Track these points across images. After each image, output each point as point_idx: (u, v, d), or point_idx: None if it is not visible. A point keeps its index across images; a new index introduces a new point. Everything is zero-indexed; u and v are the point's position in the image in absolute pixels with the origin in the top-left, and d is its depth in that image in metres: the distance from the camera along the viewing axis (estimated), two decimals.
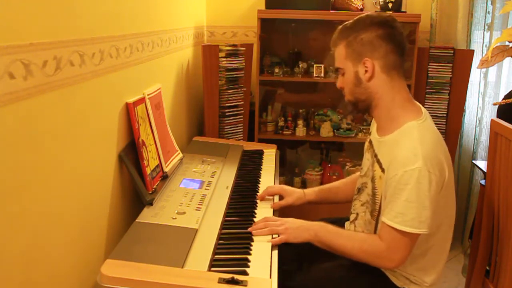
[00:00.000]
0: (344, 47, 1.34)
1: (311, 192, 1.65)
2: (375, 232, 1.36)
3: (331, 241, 1.33)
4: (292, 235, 1.33)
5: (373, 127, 1.47)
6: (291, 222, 1.37)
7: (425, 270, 1.34)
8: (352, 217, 1.50)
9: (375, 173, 1.37)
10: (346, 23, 1.38)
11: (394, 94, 1.33)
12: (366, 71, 1.31)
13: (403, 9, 2.58)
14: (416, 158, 1.20)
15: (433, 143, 1.27)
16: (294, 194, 1.62)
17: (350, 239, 1.33)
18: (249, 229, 1.36)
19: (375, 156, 1.39)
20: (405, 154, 1.24)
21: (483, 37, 2.63)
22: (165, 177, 1.63)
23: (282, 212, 1.58)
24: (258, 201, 1.60)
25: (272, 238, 1.33)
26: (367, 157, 1.46)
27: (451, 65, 2.52)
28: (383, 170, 1.32)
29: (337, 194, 1.66)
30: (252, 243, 1.30)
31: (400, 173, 1.22)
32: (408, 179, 1.20)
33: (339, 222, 1.52)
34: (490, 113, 2.67)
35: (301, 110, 2.90)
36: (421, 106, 1.39)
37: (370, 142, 1.46)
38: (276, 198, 1.63)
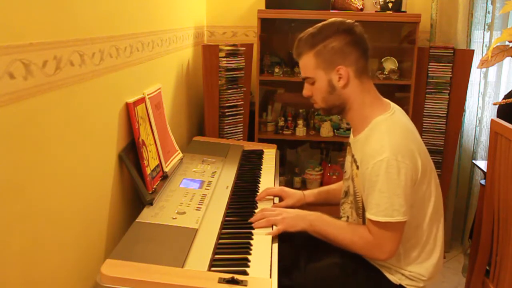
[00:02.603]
0: (313, 56, 1.35)
1: (310, 194, 1.67)
2: None
3: (326, 231, 1.37)
4: (289, 224, 1.37)
5: (351, 131, 1.51)
6: (288, 212, 1.41)
7: (420, 264, 1.36)
8: (343, 220, 1.52)
9: (353, 172, 1.41)
10: (308, 31, 1.39)
11: (364, 96, 1.37)
12: (340, 78, 1.34)
13: (403, 9, 2.58)
14: (383, 149, 1.25)
15: (401, 134, 1.30)
16: (295, 195, 1.64)
17: (343, 230, 1.37)
18: (249, 220, 1.40)
19: (352, 156, 1.43)
20: (373, 146, 1.28)
21: (483, 37, 2.63)
22: (165, 177, 1.63)
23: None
24: (258, 201, 1.60)
25: (273, 229, 1.35)
26: (348, 159, 1.50)
27: (451, 65, 2.52)
28: (357, 167, 1.36)
29: (336, 196, 1.67)
30: (252, 243, 1.30)
31: (370, 166, 1.26)
32: (378, 170, 1.24)
33: None
34: (490, 113, 2.68)
35: (301, 110, 2.90)
36: (389, 101, 1.42)
37: (349, 145, 1.50)
38: (276, 199, 1.63)
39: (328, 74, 1.35)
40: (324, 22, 1.39)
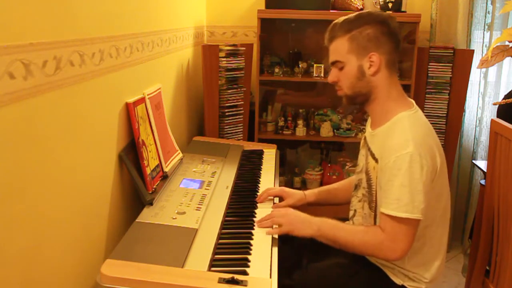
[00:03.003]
0: (348, 40, 1.35)
1: (311, 194, 1.66)
2: (375, 224, 1.36)
3: (334, 236, 1.33)
4: (296, 227, 1.35)
5: (368, 125, 1.50)
6: (295, 215, 1.39)
7: (424, 266, 1.35)
8: (350, 214, 1.51)
9: (368, 165, 1.39)
10: (343, 17, 1.39)
11: (391, 89, 1.37)
12: (371, 65, 1.34)
13: (403, 9, 2.58)
14: (407, 144, 1.24)
15: (423, 131, 1.30)
16: (295, 195, 1.63)
17: (352, 232, 1.34)
18: (257, 222, 1.40)
19: (369, 149, 1.41)
20: (396, 141, 1.27)
21: (483, 37, 2.63)
22: (165, 177, 1.63)
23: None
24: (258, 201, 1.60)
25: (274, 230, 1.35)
26: (362, 153, 1.49)
27: (451, 65, 2.52)
28: (376, 160, 1.34)
29: (337, 195, 1.67)
30: (252, 243, 1.30)
31: (392, 159, 1.25)
32: (400, 164, 1.23)
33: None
34: (490, 113, 2.67)
35: (301, 110, 2.90)
36: (412, 100, 1.42)
37: (365, 138, 1.48)
38: (276, 199, 1.63)
39: (359, 60, 1.35)
40: (361, 11, 1.40)
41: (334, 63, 1.40)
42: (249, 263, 1.19)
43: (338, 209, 1.66)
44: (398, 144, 1.25)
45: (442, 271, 1.39)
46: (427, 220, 1.29)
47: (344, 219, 1.55)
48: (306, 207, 1.64)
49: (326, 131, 2.73)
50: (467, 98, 2.66)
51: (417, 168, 1.22)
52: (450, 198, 1.40)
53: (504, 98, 2.35)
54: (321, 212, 1.88)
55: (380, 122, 1.38)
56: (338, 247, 1.34)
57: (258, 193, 1.65)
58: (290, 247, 1.40)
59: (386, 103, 1.37)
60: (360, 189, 1.45)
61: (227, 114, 2.44)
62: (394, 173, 1.24)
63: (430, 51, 2.54)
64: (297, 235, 1.34)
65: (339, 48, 1.37)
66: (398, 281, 1.36)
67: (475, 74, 2.66)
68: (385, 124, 1.36)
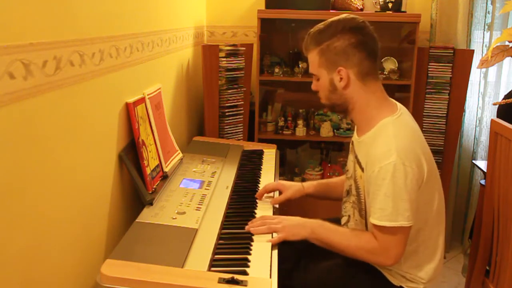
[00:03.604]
0: (317, 54, 1.35)
1: (309, 185, 1.65)
2: (366, 230, 1.37)
3: (328, 238, 1.34)
4: (290, 232, 1.34)
5: (355, 129, 1.49)
6: (288, 220, 1.38)
7: (420, 267, 1.35)
8: (344, 219, 1.51)
9: (356, 173, 1.39)
10: (317, 26, 1.37)
11: (369, 97, 1.35)
12: (341, 79, 1.33)
13: (403, 9, 2.58)
14: (390, 153, 1.23)
15: (408, 137, 1.29)
16: (293, 187, 1.62)
17: (347, 236, 1.34)
18: (246, 228, 1.37)
19: (356, 157, 1.41)
20: (380, 150, 1.26)
21: (483, 37, 2.63)
22: (165, 177, 1.63)
23: (282, 207, 1.59)
24: (258, 200, 1.60)
25: (272, 237, 1.33)
26: (350, 158, 1.49)
27: (451, 65, 2.52)
28: (362, 170, 1.34)
29: (335, 189, 1.66)
30: (252, 243, 1.30)
31: (376, 169, 1.24)
32: (384, 174, 1.22)
33: (338, 222, 1.53)
34: (490, 113, 2.67)
35: (301, 110, 2.90)
36: (396, 102, 1.40)
37: (352, 143, 1.48)
38: (276, 194, 1.63)
39: (329, 74, 1.34)
40: (334, 18, 1.36)
41: (311, 74, 1.40)
42: (249, 263, 1.19)
43: (338, 208, 1.66)
44: (382, 154, 1.25)
45: (440, 271, 1.39)
46: (419, 224, 1.29)
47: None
48: (307, 204, 1.64)
49: (326, 131, 2.73)
50: (467, 98, 2.66)
51: (401, 177, 1.21)
52: (443, 199, 1.39)
53: (504, 98, 2.35)
54: (320, 209, 1.89)
55: (365, 129, 1.37)
56: (332, 250, 1.34)
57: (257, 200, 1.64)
58: (289, 248, 1.39)
59: (366, 111, 1.36)
60: (351, 195, 1.45)
61: (227, 114, 2.44)
62: (378, 183, 1.24)
63: (430, 51, 2.54)
64: (291, 239, 1.34)
65: (312, 61, 1.37)
66: (396, 282, 1.36)
67: (475, 74, 2.66)
68: (369, 131, 1.34)
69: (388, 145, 1.25)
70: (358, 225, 1.42)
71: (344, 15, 1.37)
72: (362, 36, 1.31)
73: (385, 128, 1.30)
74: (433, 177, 1.32)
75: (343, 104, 1.37)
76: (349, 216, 1.48)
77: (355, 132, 1.47)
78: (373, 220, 1.26)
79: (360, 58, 1.31)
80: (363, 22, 1.34)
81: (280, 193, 1.63)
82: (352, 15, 1.36)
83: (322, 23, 1.37)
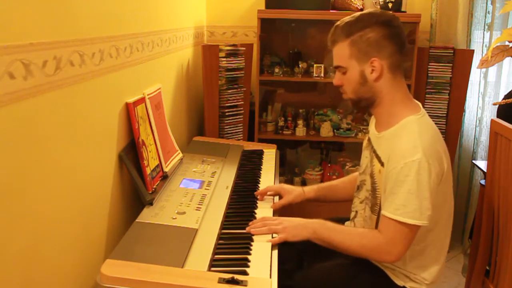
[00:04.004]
0: (348, 45, 1.32)
1: (310, 190, 1.64)
2: (376, 227, 1.36)
3: (330, 238, 1.33)
4: (291, 233, 1.33)
5: (371, 125, 1.48)
6: (289, 221, 1.37)
7: (425, 267, 1.35)
8: (351, 215, 1.50)
9: (374, 168, 1.38)
10: (345, 19, 1.35)
11: (396, 92, 1.34)
12: (373, 70, 1.31)
13: (403, 9, 2.58)
14: (416, 150, 1.22)
15: (431, 136, 1.29)
16: (293, 192, 1.62)
17: (349, 234, 1.34)
18: (247, 229, 1.36)
19: (374, 151, 1.39)
20: (404, 146, 1.25)
21: (483, 37, 2.63)
22: (165, 177, 1.63)
23: (283, 211, 1.58)
24: (258, 201, 1.60)
25: (272, 237, 1.33)
26: (365, 154, 1.47)
27: (451, 65, 2.52)
28: (382, 164, 1.33)
29: (336, 192, 1.66)
30: (252, 243, 1.30)
31: (400, 165, 1.23)
32: (408, 171, 1.21)
33: (340, 222, 1.53)
34: (490, 113, 2.67)
35: (301, 110, 2.90)
36: (419, 103, 1.40)
37: (369, 139, 1.46)
38: (276, 198, 1.63)
39: (361, 65, 1.32)
40: (362, 12, 1.35)
41: (337, 67, 1.38)
42: (249, 263, 1.19)
43: (339, 209, 1.66)
44: (407, 150, 1.24)
45: (442, 272, 1.39)
46: (430, 224, 1.28)
47: (344, 218, 1.55)
48: (308, 206, 1.64)
49: (326, 131, 2.73)
50: (467, 98, 2.66)
51: (425, 175, 1.21)
52: (453, 202, 1.39)
53: (504, 98, 2.35)
54: (322, 210, 1.89)
55: (387, 125, 1.36)
56: (335, 250, 1.34)
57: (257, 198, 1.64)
58: (290, 248, 1.39)
59: (391, 106, 1.35)
60: (363, 191, 1.44)
61: (227, 114, 2.44)
62: (401, 179, 1.22)
63: (430, 51, 2.54)
64: (292, 240, 1.33)
65: (341, 53, 1.34)
66: (399, 282, 1.36)
67: (475, 74, 2.66)
68: (392, 127, 1.33)
69: (414, 142, 1.24)
70: (366, 221, 1.41)
71: (372, 10, 1.36)
72: (394, 29, 1.31)
73: (410, 125, 1.29)
74: (449, 178, 1.32)
75: (370, 97, 1.35)
76: (356, 211, 1.47)
77: (371, 128, 1.45)
78: (393, 215, 1.23)
79: (392, 50, 1.31)
80: (394, 15, 1.34)
81: (281, 197, 1.63)
82: (380, 10, 1.36)
83: (349, 16, 1.35)
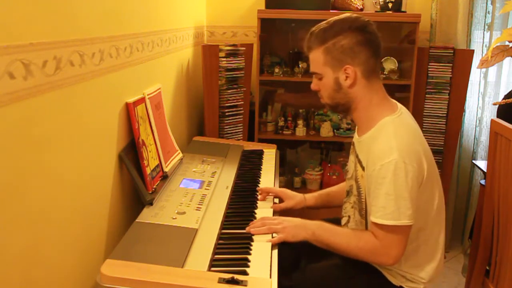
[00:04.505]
0: (322, 53, 1.33)
1: (310, 197, 1.66)
2: (366, 230, 1.36)
3: (329, 239, 1.34)
4: (291, 233, 1.34)
5: (356, 130, 1.48)
6: (289, 221, 1.38)
7: (420, 267, 1.35)
8: (344, 220, 1.50)
9: (357, 173, 1.39)
10: (320, 25, 1.36)
11: (372, 96, 1.35)
12: (347, 77, 1.32)
13: (403, 9, 2.58)
14: (391, 151, 1.23)
15: (408, 136, 1.29)
16: (295, 198, 1.63)
17: (347, 237, 1.34)
18: (247, 229, 1.36)
19: (357, 156, 1.41)
20: (380, 148, 1.26)
21: (483, 37, 2.63)
22: (165, 177, 1.63)
23: (282, 214, 1.58)
24: (258, 201, 1.60)
25: (272, 237, 1.33)
26: (351, 159, 1.48)
27: (451, 65, 2.52)
28: (363, 168, 1.34)
29: (336, 198, 1.66)
30: (252, 243, 1.30)
31: (377, 167, 1.24)
32: (385, 173, 1.22)
33: (338, 222, 1.53)
34: (490, 113, 2.67)
35: (301, 110, 2.90)
36: (397, 102, 1.40)
37: (353, 144, 1.48)
38: (276, 199, 1.63)
39: (335, 72, 1.33)
40: (337, 17, 1.35)
41: (313, 73, 1.39)
42: (249, 263, 1.19)
43: (338, 211, 1.66)
44: (383, 152, 1.24)
45: (440, 270, 1.39)
46: (419, 223, 1.29)
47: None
48: (306, 211, 1.64)
49: (326, 131, 2.73)
50: (467, 98, 2.66)
51: (402, 175, 1.21)
52: (444, 198, 1.39)
53: (504, 98, 2.35)
54: (320, 211, 1.89)
55: (365, 129, 1.37)
56: (332, 251, 1.34)
57: (258, 193, 1.65)
58: (290, 248, 1.39)
59: (368, 110, 1.35)
60: (352, 196, 1.45)
61: (227, 114, 2.44)
62: (379, 182, 1.23)
63: (430, 51, 2.54)
64: (291, 240, 1.34)
65: (316, 59, 1.36)
66: (396, 282, 1.36)
67: (475, 74, 2.66)
68: (370, 131, 1.34)
69: (389, 143, 1.25)
70: (358, 225, 1.42)
71: (347, 15, 1.36)
72: (368, 35, 1.31)
73: (386, 127, 1.30)
74: (433, 176, 1.32)
75: (346, 103, 1.36)
76: (349, 216, 1.48)
77: (355, 133, 1.46)
78: (375, 218, 1.25)
79: (366, 56, 1.31)
80: (367, 21, 1.33)
81: (281, 201, 1.63)
82: (355, 15, 1.35)
83: (324, 22, 1.36)
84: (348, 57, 1.30)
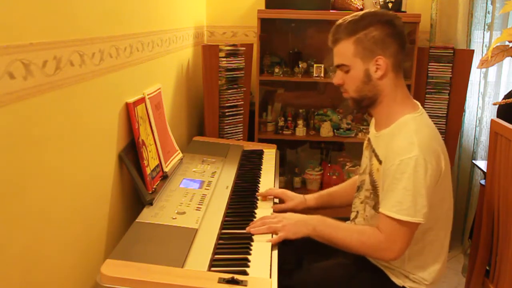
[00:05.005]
0: (353, 43, 1.32)
1: (311, 198, 1.65)
2: None
3: (330, 235, 1.33)
4: (291, 231, 1.33)
5: (371, 126, 1.48)
6: (289, 218, 1.37)
7: (424, 268, 1.35)
8: (352, 215, 1.50)
9: (372, 166, 1.38)
10: (347, 18, 1.35)
11: (397, 91, 1.35)
12: (377, 69, 1.31)
13: (403, 9, 2.58)
14: (412, 147, 1.22)
15: (429, 134, 1.29)
16: (296, 199, 1.63)
17: (349, 231, 1.33)
18: (247, 229, 1.36)
19: (373, 151, 1.40)
20: (401, 144, 1.25)
21: (483, 37, 2.63)
22: (165, 177, 1.63)
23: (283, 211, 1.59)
24: (258, 201, 1.60)
25: (272, 237, 1.33)
26: (365, 154, 1.47)
27: (451, 65, 2.52)
28: (380, 162, 1.33)
29: (336, 198, 1.66)
30: (252, 243, 1.30)
31: (396, 162, 1.23)
32: (404, 168, 1.21)
33: (343, 221, 1.53)
34: (490, 113, 2.67)
35: (301, 110, 2.90)
36: (418, 102, 1.40)
37: (369, 139, 1.47)
38: (277, 200, 1.63)
39: (365, 63, 1.32)
40: (365, 11, 1.36)
41: (339, 66, 1.37)
42: (249, 263, 1.19)
43: (339, 209, 1.66)
44: (403, 148, 1.24)
45: (443, 273, 1.39)
46: (428, 223, 1.28)
47: (345, 218, 1.55)
48: (307, 212, 1.64)
49: (326, 131, 2.73)
50: (467, 98, 2.66)
51: (422, 172, 1.21)
52: (453, 202, 1.39)
53: (504, 98, 2.35)
54: (321, 211, 1.89)
55: (385, 124, 1.36)
56: (334, 246, 1.33)
57: (258, 198, 1.64)
58: (290, 248, 1.39)
59: (392, 105, 1.35)
60: (363, 191, 1.44)
61: (227, 114, 2.44)
62: (397, 177, 1.23)
63: (430, 51, 2.54)
64: (292, 238, 1.33)
65: (344, 51, 1.34)
66: (398, 282, 1.36)
67: (475, 74, 2.66)
68: (390, 126, 1.34)
69: (410, 139, 1.24)
70: (368, 221, 1.41)
71: (374, 9, 1.38)
72: (397, 28, 1.32)
73: (407, 124, 1.30)
74: (447, 177, 1.32)
75: (373, 96, 1.35)
76: (357, 212, 1.47)
77: (371, 129, 1.45)
78: (390, 212, 1.23)
79: (395, 49, 1.31)
80: (395, 15, 1.35)
81: (282, 201, 1.63)
82: (382, 10, 1.37)
83: (351, 15, 1.36)
84: (379, 48, 1.30)
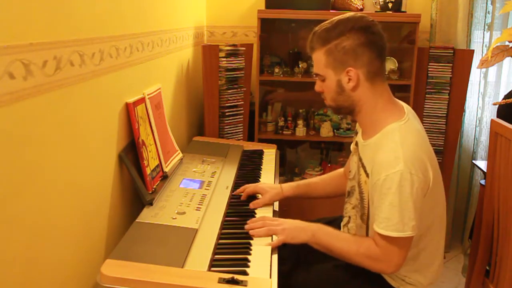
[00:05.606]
0: (324, 54, 1.29)
1: (288, 188, 1.62)
2: (367, 235, 1.36)
3: (329, 243, 1.32)
4: (290, 235, 1.33)
5: (359, 128, 1.45)
6: (289, 223, 1.37)
7: (420, 271, 1.34)
8: (345, 220, 1.49)
9: (360, 177, 1.36)
10: (323, 25, 1.32)
11: (377, 99, 1.31)
12: (349, 80, 1.28)
13: (403, 9, 2.58)
14: (397, 161, 1.19)
15: (415, 144, 1.25)
16: (272, 190, 1.59)
17: (347, 241, 1.32)
18: (246, 227, 1.36)
19: (360, 160, 1.38)
20: (386, 157, 1.22)
21: (483, 37, 2.63)
22: (165, 177, 1.63)
23: (281, 209, 1.59)
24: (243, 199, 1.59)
25: (272, 240, 1.33)
26: (354, 159, 1.44)
27: (451, 65, 2.52)
28: (367, 175, 1.31)
29: (315, 190, 1.65)
30: (252, 243, 1.30)
31: (382, 177, 1.21)
32: (390, 183, 1.19)
33: (337, 221, 1.53)
34: (490, 113, 2.68)
35: (301, 110, 2.90)
36: (403, 105, 1.36)
37: (356, 144, 1.44)
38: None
39: (337, 74, 1.29)
40: (341, 16, 1.31)
41: (316, 75, 1.36)
42: (249, 263, 1.19)
43: (337, 207, 1.65)
44: (388, 162, 1.21)
45: (440, 273, 1.39)
46: (421, 230, 1.27)
47: (341, 217, 1.55)
48: (306, 204, 1.63)
49: (326, 131, 2.73)
50: (467, 98, 2.66)
51: (407, 186, 1.18)
52: (445, 203, 1.38)
53: (504, 98, 2.35)
54: (320, 209, 1.90)
55: (370, 133, 1.33)
56: (332, 255, 1.33)
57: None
58: (290, 248, 1.39)
59: (372, 114, 1.32)
60: (353, 198, 1.43)
61: (227, 114, 2.44)
62: (384, 192, 1.20)
63: (430, 51, 2.54)
64: (290, 242, 1.32)
65: (318, 60, 1.32)
66: (395, 284, 1.36)
67: (475, 74, 2.66)
68: (375, 136, 1.31)
69: (395, 153, 1.21)
70: (358, 228, 1.41)
71: (351, 14, 1.32)
72: (372, 35, 1.27)
73: (392, 134, 1.26)
74: (437, 184, 1.30)
75: (349, 106, 1.33)
76: (349, 217, 1.47)
77: (359, 134, 1.43)
78: (378, 229, 1.22)
79: (369, 58, 1.27)
80: (372, 21, 1.29)
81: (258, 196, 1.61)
82: (360, 14, 1.31)
83: (328, 21, 1.32)
84: (350, 59, 1.26)
